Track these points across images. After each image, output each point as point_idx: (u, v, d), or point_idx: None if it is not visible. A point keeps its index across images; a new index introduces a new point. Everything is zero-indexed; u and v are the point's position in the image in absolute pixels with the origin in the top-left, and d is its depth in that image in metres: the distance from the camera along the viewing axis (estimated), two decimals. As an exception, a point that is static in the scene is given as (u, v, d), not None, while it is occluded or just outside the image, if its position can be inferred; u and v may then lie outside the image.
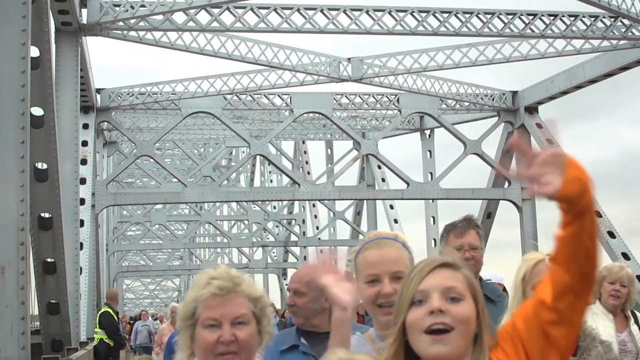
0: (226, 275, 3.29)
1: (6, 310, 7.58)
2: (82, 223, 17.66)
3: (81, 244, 17.28)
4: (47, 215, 10.40)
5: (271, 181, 41.23)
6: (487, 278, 9.47)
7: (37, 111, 9.47)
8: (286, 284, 44.83)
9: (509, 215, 23.30)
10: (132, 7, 15.72)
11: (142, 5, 15.70)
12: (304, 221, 39.29)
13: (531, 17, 17.35)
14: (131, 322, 31.24)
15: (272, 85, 21.37)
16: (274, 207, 39.19)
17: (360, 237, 33.34)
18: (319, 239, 36.22)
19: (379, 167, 27.67)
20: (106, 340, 17.53)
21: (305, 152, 35.15)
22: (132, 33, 16.98)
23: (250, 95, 22.71)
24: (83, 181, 18.08)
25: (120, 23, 16.02)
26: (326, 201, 31.48)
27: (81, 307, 16.23)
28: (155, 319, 31.19)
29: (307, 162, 35.41)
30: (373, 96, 23.42)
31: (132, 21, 16.05)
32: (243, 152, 32.83)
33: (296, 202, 37.14)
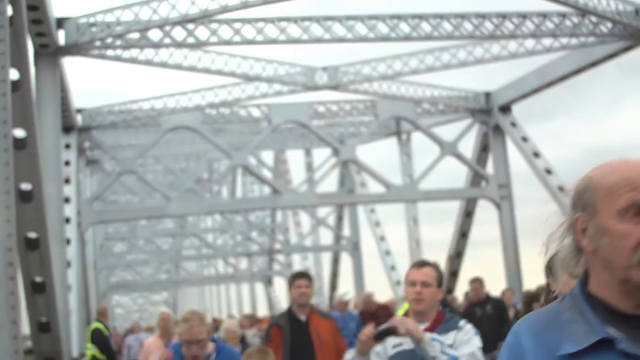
0: None
1: (-2, 331, 7.52)
2: (68, 242, 17.61)
3: (69, 262, 17.23)
4: (33, 235, 10.33)
5: (253, 191, 41.27)
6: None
7: (20, 133, 9.40)
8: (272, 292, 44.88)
9: (488, 214, 23.36)
10: (109, 27, 15.68)
11: (118, 24, 15.66)
12: (287, 229, 39.33)
13: (501, 19, 17.37)
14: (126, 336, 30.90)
15: (250, 97, 21.38)
16: (257, 217, 39.20)
17: (343, 242, 33.44)
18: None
19: (358, 172, 27.69)
20: (98, 356, 17.44)
21: (285, 162, 35.18)
22: (110, 52, 16.90)
23: (229, 108, 22.70)
24: (67, 200, 18.03)
25: (98, 42, 15.94)
26: (308, 208, 31.51)
27: (72, 324, 16.19)
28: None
29: (287, 171, 35.46)
30: (349, 103, 23.47)
31: (109, 40, 15.98)
32: (224, 164, 32.74)
33: (279, 211, 37.17)
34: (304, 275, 9.31)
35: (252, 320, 21.37)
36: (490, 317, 13.57)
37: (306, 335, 8.79)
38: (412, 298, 5.84)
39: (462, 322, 5.87)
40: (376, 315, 15.24)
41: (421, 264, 6.03)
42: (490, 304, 13.78)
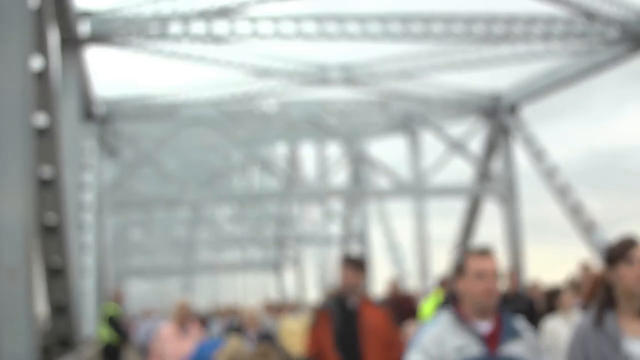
0: None
1: (16, 312, 7.51)
2: (86, 227, 17.64)
3: (86, 247, 17.26)
4: (52, 220, 10.31)
5: (266, 183, 41.30)
6: None
7: (42, 120, 9.38)
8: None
9: (493, 212, 23.27)
10: (131, 19, 15.69)
11: (139, 17, 15.67)
12: (298, 220, 39.34)
13: (511, 22, 17.31)
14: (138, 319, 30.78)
15: (266, 92, 21.39)
16: (269, 208, 39.19)
17: (352, 234, 33.44)
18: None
19: (369, 167, 27.65)
20: (112, 338, 17.45)
21: (297, 155, 35.16)
22: (133, 42, 16.88)
23: (245, 102, 22.70)
24: (87, 187, 18.06)
25: (119, 34, 15.94)
26: (319, 201, 31.49)
27: (88, 307, 16.22)
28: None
29: (299, 164, 35.44)
30: (362, 100, 23.46)
31: (131, 32, 15.99)
32: (239, 156, 32.71)
33: (290, 203, 37.16)
34: (354, 259, 8.31)
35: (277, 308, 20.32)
36: (522, 312, 13.20)
37: (353, 325, 7.95)
38: (483, 293, 5.01)
39: (522, 322, 5.17)
40: (400, 305, 14.98)
41: (486, 251, 5.22)
42: (521, 299, 13.44)
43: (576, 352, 4.95)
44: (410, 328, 9.77)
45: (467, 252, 5.23)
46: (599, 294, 5.04)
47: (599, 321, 4.92)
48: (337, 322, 7.95)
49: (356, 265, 8.13)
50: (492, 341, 4.96)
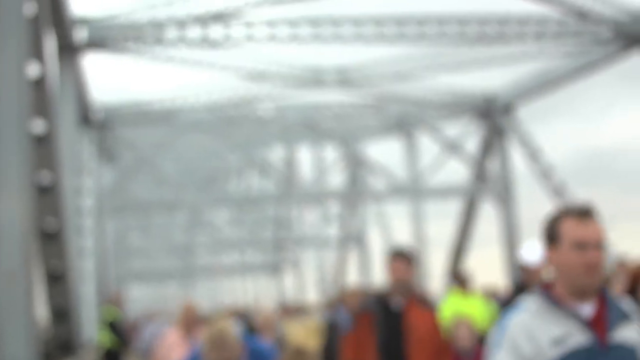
0: None
1: (16, 318, 7.51)
2: (86, 232, 17.65)
3: (86, 252, 17.27)
4: (52, 225, 10.31)
5: (264, 186, 41.28)
6: None
7: (40, 126, 9.39)
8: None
9: (490, 211, 23.30)
10: (127, 25, 15.73)
11: (136, 23, 15.71)
12: (295, 222, 39.34)
13: (504, 23, 17.34)
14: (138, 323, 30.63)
15: (263, 95, 21.43)
16: (267, 210, 39.17)
17: (349, 236, 33.48)
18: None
19: (366, 169, 27.69)
20: (113, 343, 17.43)
21: (294, 158, 35.17)
22: (129, 48, 16.91)
23: (242, 106, 22.72)
24: (86, 192, 18.06)
25: (115, 40, 15.97)
26: (316, 203, 31.50)
27: (88, 312, 16.21)
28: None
29: (296, 167, 35.45)
30: (357, 102, 23.48)
31: (127, 38, 16.02)
32: (236, 159, 32.73)
33: (288, 205, 37.15)
34: (405, 251, 7.52)
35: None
36: None
37: (398, 328, 7.16)
38: (585, 266, 3.83)
39: (629, 303, 4.03)
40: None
41: (588, 212, 3.91)
42: None
43: None
44: None
45: (563, 213, 3.99)
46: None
47: None
48: (380, 325, 7.23)
49: (407, 258, 7.43)
50: (599, 327, 3.85)
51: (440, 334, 7.32)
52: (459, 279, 13.43)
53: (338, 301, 13.17)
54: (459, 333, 8.81)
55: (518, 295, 7.13)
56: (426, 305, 7.50)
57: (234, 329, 6.33)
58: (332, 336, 11.63)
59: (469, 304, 13.12)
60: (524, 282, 7.96)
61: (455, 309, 12.42)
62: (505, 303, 9.78)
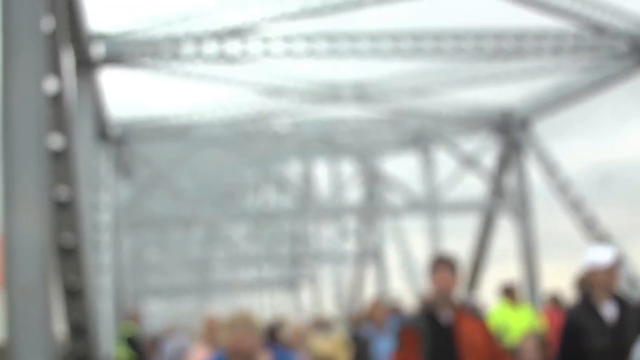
0: None
1: (34, 334, 7.49)
2: (103, 247, 17.65)
3: (104, 268, 17.27)
4: (69, 241, 10.31)
5: (280, 201, 41.26)
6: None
7: (57, 141, 9.39)
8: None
9: (508, 226, 23.21)
10: (144, 41, 15.78)
11: (153, 38, 15.75)
12: (312, 238, 39.29)
13: (521, 38, 17.30)
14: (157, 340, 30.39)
15: (279, 111, 21.45)
16: (284, 225, 39.13)
17: (366, 251, 33.38)
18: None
19: (382, 184, 27.65)
20: (130, 358, 17.41)
21: (311, 173, 35.15)
22: (146, 63, 16.95)
23: (258, 122, 22.74)
24: (103, 207, 18.08)
25: (133, 56, 16.01)
26: (333, 218, 31.46)
27: (106, 328, 16.20)
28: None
29: (313, 182, 35.42)
30: (374, 117, 23.46)
31: (144, 53, 16.07)
32: (252, 174, 32.76)
33: (305, 220, 37.12)
34: (447, 260, 6.91)
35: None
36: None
37: (449, 344, 6.62)
38: None
39: None
40: None
41: None
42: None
43: None
44: None
45: None
46: None
47: None
48: (428, 342, 6.65)
49: (452, 265, 6.87)
50: None
51: (495, 343, 6.87)
52: (506, 291, 13.36)
53: (364, 316, 12.99)
54: (525, 347, 8.56)
55: (588, 300, 6.90)
56: (475, 315, 7.17)
57: (257, 317, 6.00)
58: (359, 351, 11.55)
59: (517, 315, 13.08)
60: (591, 286, 7.65)
61: (503, 321, 12.37)
62: (575, 310, 9.22)
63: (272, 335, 13.61)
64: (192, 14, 15.96)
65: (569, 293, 17.37)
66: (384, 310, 11.24)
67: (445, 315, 6.74)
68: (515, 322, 12.70)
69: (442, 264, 6.84)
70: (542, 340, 8.73)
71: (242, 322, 5.65)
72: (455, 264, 6.89)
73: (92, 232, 15.11)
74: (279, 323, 15.40)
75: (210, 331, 9.63)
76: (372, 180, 27.87)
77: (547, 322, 14.54)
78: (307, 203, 23.85)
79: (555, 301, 18.23)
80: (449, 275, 6.77)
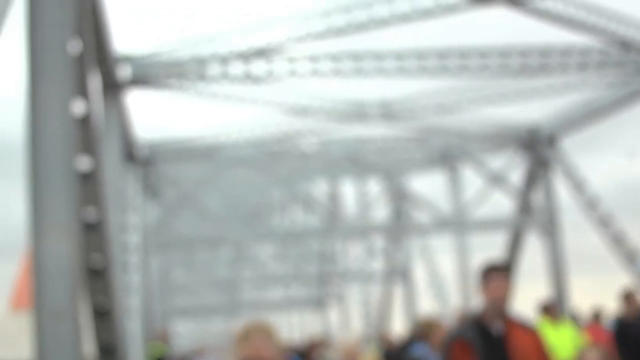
0: None
1: (64, 354, 7.51)
2: (132, 268, 17.70)
3: (132, 288, 17.31)
4: (98, 262, 10.34)
5: (307, 220, 41.25)
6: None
7: (85, 163, 9.43)
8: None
9: (536, 243, 23.11)
10: (170, 62, 15.86)
11: (179, 60, 15.83)
12: (340, 257, 39.26)
13: (546, 54, 17.28)
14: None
15: (305, 130, 21.49)
16: (311, 245, 39.13)
17: (394, 270, 33.33)
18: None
19: (409, 202, 27.61)
20: (159, 379, 17.43)
21: (338, 192, 35.16)
22: (172, 85, 17.02)
23: (284, 141, 22.79)
24: (131, 228, 18.14)
25: (159, 76, 16.08)
26: (360, 237, 31.43)
27: (135, 348, 16.22)
28: None
29: (340, 201, 35.42)
30: (400, 135, 23.46)
31: (171, 73, 16.14)
32: (279, 194, 32.81)
33: (332, 239, 37.10)
34: (501, 267, 6.61)
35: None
36: None
37: (502, 354, 6.36)
38: None
39: None
40: None
41: None
42: None
43: None
44: None
45: None
46: None
47: None
48: (481, 354, 6.38)
49: (506, 273, 6.60)
50: None
51: (547, 355, 6.58)
52: (546, 309, 13.26)
53: (417, 334, 12.64)
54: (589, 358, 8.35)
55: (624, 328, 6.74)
56: (526, 326, 6.77)
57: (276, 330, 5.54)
58: None
59: (558, 333, 12.99)
60: None
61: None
62: (624, 323, 8.83)
63: (308, 355, 13.48)
64: (217, 35, 16.03)
65: (608, 308, 17.26)
66: (441, 330, 10.56)
67: (496, 326, 6.51)
68: (557, 340, 12.58)
69: (497, 272, 6.57)
70: (605, 353, 8.52)
71: (258, 331, 5.28)
72: (510, 271, 6.65)
73: (120, 253, 15.15)
74: (317, 342, 15.30)
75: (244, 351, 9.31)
76: (399, 198, 27.83)
77: (590, 339, 14.44)
78: (334, 222, 23.84)
79: (597, 317, 18.15)
80: (504, 284, 6.51)
